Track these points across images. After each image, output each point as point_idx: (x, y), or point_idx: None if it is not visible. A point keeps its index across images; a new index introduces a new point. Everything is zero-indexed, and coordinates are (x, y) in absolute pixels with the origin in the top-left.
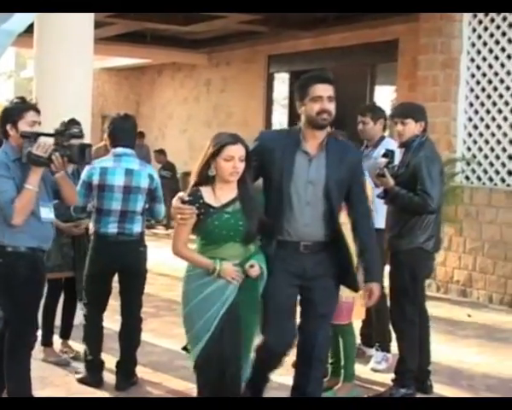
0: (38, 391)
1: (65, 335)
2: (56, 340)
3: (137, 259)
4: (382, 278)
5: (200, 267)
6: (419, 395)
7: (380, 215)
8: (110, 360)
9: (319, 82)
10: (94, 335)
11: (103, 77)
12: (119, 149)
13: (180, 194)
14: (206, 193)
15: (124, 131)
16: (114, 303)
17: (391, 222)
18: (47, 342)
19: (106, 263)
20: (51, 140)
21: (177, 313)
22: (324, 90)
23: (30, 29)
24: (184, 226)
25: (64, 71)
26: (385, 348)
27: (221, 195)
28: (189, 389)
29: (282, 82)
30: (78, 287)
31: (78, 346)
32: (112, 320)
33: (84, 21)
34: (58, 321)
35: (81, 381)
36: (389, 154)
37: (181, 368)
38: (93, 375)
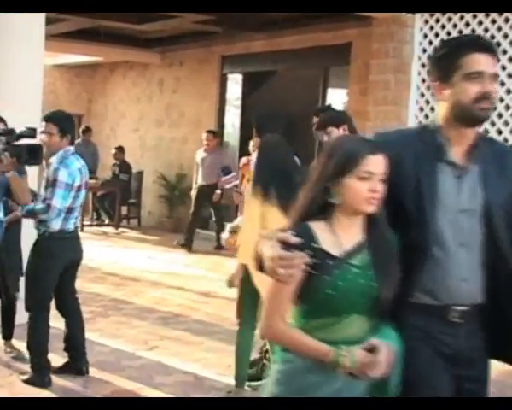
0: None
1: (8, 335)
2: None
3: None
4: None
5: (312, 357)
6: None
7: None
8: (57, 359)
9: (479, 50)
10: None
11: (54, 74)
12: (72, 148)
13: (270, 232)
14: (321, 232)
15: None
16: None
17: None
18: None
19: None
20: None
21: (124, 312)
22: (487, 63)
23: None
24: (286, 287)
25: (14, 67)
26: None
27: (344, 236)
28: (137, 388)
29: (235, 83)
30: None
31: (21, 345)
32: (58, 319)
33: (35, 17)
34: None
35: (28, 382)
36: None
37: (128, 368)
38: (41, 376)
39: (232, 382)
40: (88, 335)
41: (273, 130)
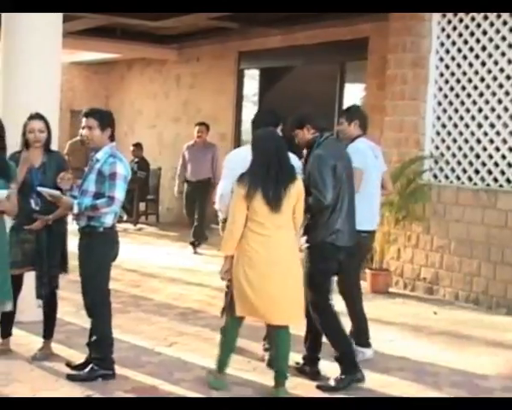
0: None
1: (48, 334)
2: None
3: None
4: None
5: None
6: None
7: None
8: (78, 356)
9: None
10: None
11: (73, 71)
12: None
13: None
14: None
15: None
16: (78, 298)
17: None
18: (8, 334)
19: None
20: None
21: (143, 308)
22: None
23: None
24: None
25: (32, 65)
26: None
27: None
28: (157, 384)
29: (252, 78)
30: (40, 282)
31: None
32: (78, 316)
33: (52, 15)
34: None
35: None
36: None
37: (147, 364)
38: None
39: (254, 378)
40: None
41: (268, 125)
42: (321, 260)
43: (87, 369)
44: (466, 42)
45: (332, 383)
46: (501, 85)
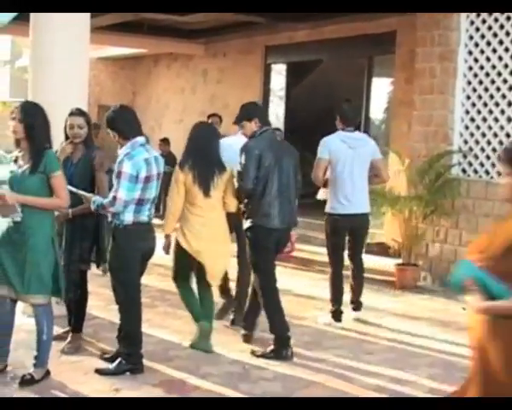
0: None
1: (77, 327)
2: None
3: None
4: None
5: None
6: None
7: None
8: (106, 350)
9: None
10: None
11: (100, 66)
12: (141, 139)
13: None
14: None
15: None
16: (108, 293)
17: None
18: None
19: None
20: None
21: (170, 303)
22: None
23: (26, 17)
24: None
25: (60, 60)
26: None
27: None
28: (184, 378)
29: (278, 73)
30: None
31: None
32: (106, 310)
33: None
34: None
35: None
36: None
37: (175, 358)
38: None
39: (281, 369)
40: None
41: (243, 119)
42: (255, 241)
43: (115, 363)
44: (495, 35)
45: (267, 351)
46: None
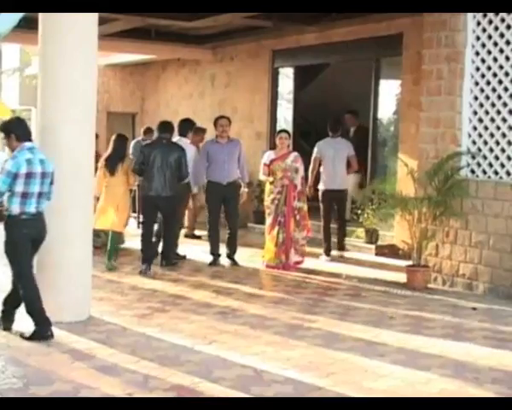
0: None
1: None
2: None
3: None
4: None
5: None
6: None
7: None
8: (118, 355)
9: None
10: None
11: (108, 73)
12: (29, 143)
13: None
14: None
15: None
16: (120, 298)
17: None
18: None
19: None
20: None
21: (182, 307)
22: None
23: (35, 25)
24: None
25: (69, 68)
26: None
27: None
28: (196, 382)
29: (286, 76)
30: None
31: None
32: (118, 315)
33: (88, 17)
34: None
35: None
36: None
37: (187, 362)
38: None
39: (293, 375)
40: (147, 330)
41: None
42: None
43: (31, 332)
44: (502, 35)
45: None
46: None
